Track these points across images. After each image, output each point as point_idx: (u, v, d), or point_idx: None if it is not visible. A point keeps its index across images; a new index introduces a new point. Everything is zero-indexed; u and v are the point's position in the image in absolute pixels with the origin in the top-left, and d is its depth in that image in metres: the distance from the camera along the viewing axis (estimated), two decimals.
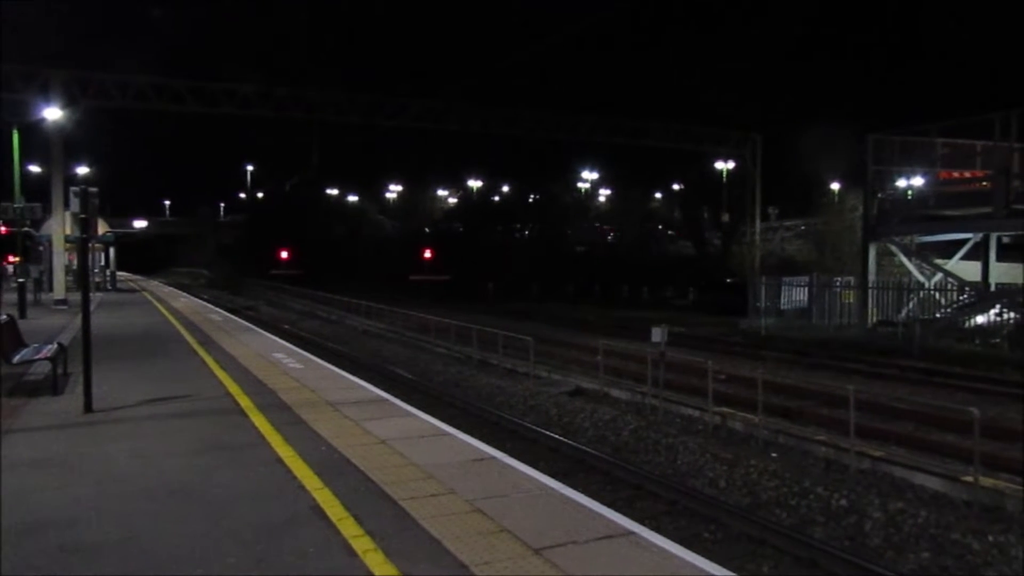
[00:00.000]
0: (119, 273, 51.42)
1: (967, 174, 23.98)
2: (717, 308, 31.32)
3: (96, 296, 30.10)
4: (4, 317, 10.33)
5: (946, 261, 23.26)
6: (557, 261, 53.53)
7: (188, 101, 31.90)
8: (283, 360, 12.71)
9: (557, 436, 10.75)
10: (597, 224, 68.42)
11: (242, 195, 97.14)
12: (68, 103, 27.97)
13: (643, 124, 39.58)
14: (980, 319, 19.73)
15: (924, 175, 23.98)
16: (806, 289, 24.35)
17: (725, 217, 50.05)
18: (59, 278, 27.55)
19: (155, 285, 54.36)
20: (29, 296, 23.34)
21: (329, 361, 13.39)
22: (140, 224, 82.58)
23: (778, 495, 8.12)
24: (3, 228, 31.31)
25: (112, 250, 45.68)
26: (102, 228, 34.11)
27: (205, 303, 33.01)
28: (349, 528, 4.73)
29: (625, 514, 5.36)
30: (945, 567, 6.45)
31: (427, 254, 53.14)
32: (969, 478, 7.81)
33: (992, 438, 9.47)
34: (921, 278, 22.81)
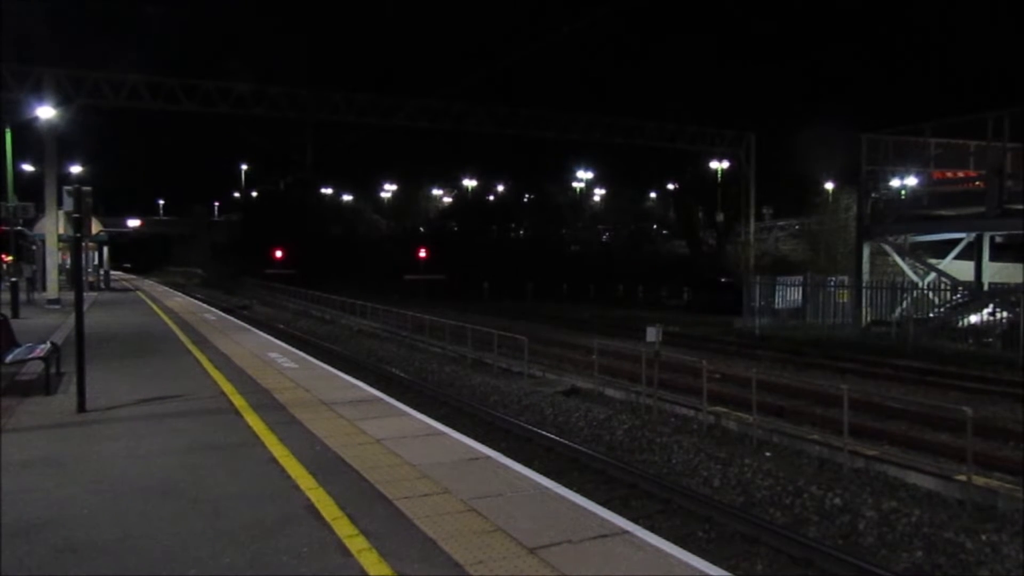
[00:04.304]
0: (113, 272, 51.21)
1: (960, 174, 24.09)
2: (712, 308, 31.37)
3: (90, 295, 29.99)
4: None
5: (939, 261, 23.35)
6: (552, 260, 53.55)
7: (182, 100, 31.78)
8: (277, 359, 12.69)
9: (552, 435, 10.76)
10: (592, 223, 68.49)
11: (236, 194, 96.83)
12: (61, 102, 27.85)
13: (638, 123, 39.60)
14: (973, 318, 19.81)
15: (918, 175, 24.07)
16: (800, 289, 24.43)
17: (719, 217, 50.11)
18: (52, 277, 27.42)
19: (149, 284, 54.19)
20: (22, 295, 23.21)
21: (324, 360, 13.37)
22: (134, 223, 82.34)
23: (772, 494, 8.14)
24: None
25: (106, 249, 45.56)
26: (95, 227, 33.87)
27: (199, 302, 32.93)
28: (343, 528, 4.73)
29: (620, 513, 5.37)
30: (938, 565, 6.48)
31: (422, 253, 53.01)
32: (962, 477, 7.84)
33: (985, 437, 9.53)
34: (915, 278, 22.89)
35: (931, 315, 20.57)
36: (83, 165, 41.75)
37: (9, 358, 9.61)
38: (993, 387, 13.64)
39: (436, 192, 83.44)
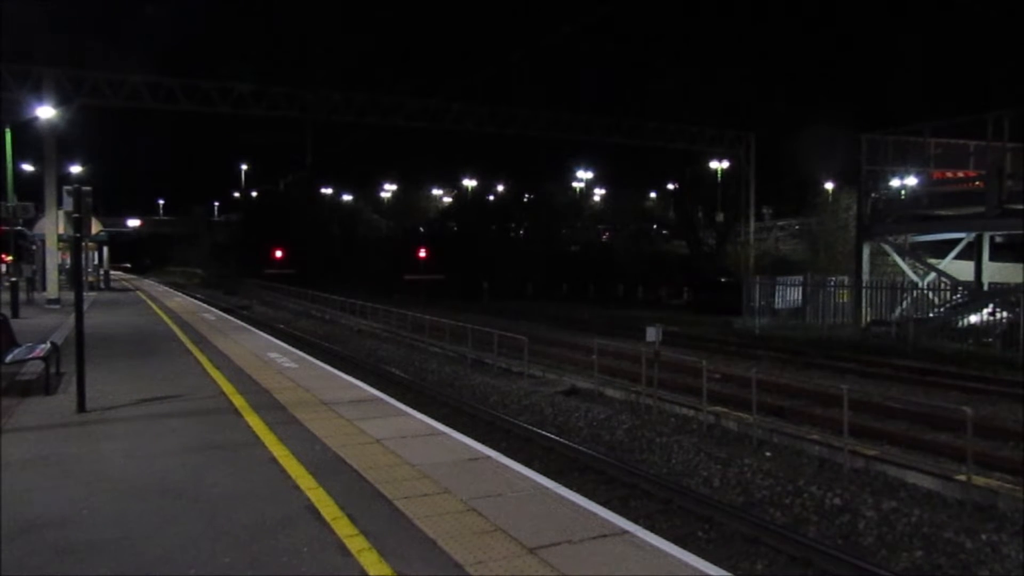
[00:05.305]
0: (112, 272, 51.22)
1: (960, 174, 24.09)
2: (711, 307, 31.37)
3: (89, 295, 29.99)
4: None
5: (939, 261, 23.35)
6: (552, 260, 53.54)
7: (182, 100, 31.76)
8: (277, 359, 12.69)
9: (552, 435, 10.75)
10: (592, 223, 68.51)
11: (236, 194, 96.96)
12: (61, 102, 27.84)
13: (638, 123, 39.58)
14: (973, 318, 19.80)
15: (917, 175, 24.08)
16: (800, 289, 24.43)
17: (719, 216, 50.07)
18: (52, 277, 27.42)
19: (149, 284, 54.20)
20: (22, 295, 23.21)
21: (324, 360, 13.37)
22: (134, 223, 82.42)
23: (772, 494, 8.13)
24: None
25: (106, 249, 45.56)
26: (95, 227, 33.82)
27: (199, 302, 32.93)
28: (343, 528, 4.73)
29: (620, 513, 5.37)
30: (938, 566, 6.48)
31: (422, 253, 53.00)
32: (962, 477, 7.84)
33: (985, 437, 9.53)
34: (915, 278, 22.89)
35: (931, 315, 20.56)
36: (83, 165, 41.71)
37: (9, 358, 9.60)
38: (993, 387, 13.64)
39: (436, 192, 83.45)
